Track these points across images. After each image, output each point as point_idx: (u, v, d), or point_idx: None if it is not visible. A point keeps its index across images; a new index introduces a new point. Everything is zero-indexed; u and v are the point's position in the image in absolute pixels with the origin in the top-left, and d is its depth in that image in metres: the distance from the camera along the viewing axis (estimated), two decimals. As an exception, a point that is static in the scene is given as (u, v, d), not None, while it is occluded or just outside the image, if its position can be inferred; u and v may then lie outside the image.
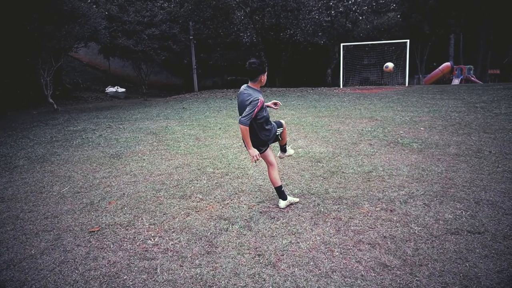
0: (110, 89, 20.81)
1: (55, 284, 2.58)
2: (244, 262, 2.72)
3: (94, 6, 14.43)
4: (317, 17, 21.26)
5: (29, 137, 8.26)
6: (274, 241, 3.01)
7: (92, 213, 3.81)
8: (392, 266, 2.56)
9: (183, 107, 12.66)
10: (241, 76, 27.55)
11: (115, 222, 3.54)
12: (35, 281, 2.64)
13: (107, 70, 25.46)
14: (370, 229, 3.14)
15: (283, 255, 2.79)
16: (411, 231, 3.06)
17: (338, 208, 3.61)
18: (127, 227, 3.42)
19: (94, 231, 3.33)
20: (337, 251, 2.80)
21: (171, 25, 17.94)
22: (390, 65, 13.22)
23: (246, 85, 3.53)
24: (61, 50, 13.55)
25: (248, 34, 22.88)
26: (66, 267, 2.79)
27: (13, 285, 2.61)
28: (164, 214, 3.67)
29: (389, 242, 2.89)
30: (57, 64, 13.84)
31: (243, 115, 3.24)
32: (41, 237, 3.32)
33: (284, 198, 3.67)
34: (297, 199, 3.80)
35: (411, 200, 3.70)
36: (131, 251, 2.97)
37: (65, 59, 17.08)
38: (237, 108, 3.42)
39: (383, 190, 4.02)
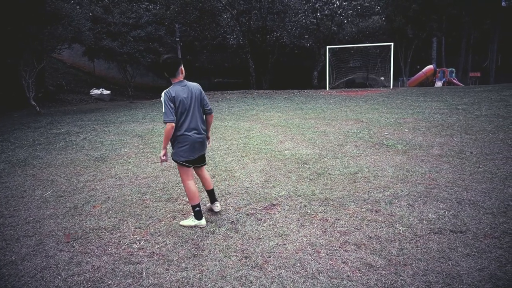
0: (95, 91, 20.48)
1: (37, 291, 2.51)
2: (231, 264, 2.71)
3: (78, 7, 14.17)
4: (303, 19, 21.44)
5: (10, 140, 8.05)
6: (261, 243, 3.01)
7: (76, 217, 3.74)
8: (378, 266, 2.59)
9: (170, 110, 12.55)
10: (228, 79, 27.52)
11: (100, 226, 3.48)
12: (16, 287, 2.57)
13: (91, 72, 25.06)
14: (356, 229, 3.17)
15: (270, 257, 2.79)
16: (396, 231, 3.10)
17: (324, 209, 3.64)
18: (112, 231, 3.37)
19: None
20: (324, 252, 2.82)
21: (157, 27, 17.78)
22: None
23: (174, 85, 3.25)
24: (44, 51, 13.28)
25: (235, 36, 22.90)
26: (48, 273, 2.73)
27: (-8, 292, 2.54)
28: (150, 218, 3.62)
29: (374, 243, 2.93)
30: (39, 65, 13.55)
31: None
32: (22, 242, 3.24)
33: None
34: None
35: (396, 200, 3.76)
36: (116, 255, 2.92)
37: (48, 61, 16.74)
38: (191, 108, 3.26)
39: (368, 191, 4.07)
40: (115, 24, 16.07)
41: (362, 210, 3.58)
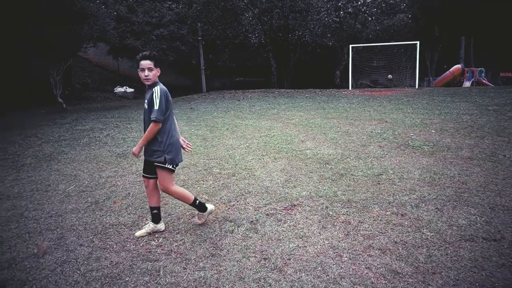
0: (119, 89, 20.91)
1: (56, 285, 2.52)
2: (250, 265, 2.63)
3: (103, 6, 14.49)
4: (325, 18, 21.13)
5: (37, 135, 8.29)
6: (280, 244, 2.92)
7: (97, 212, 3.76)
8: (404, 273, 2.46)
9: (191, 108, 12.65)
10: (249, 78, 27.50)
11: (119, 222, 3.49)
12: (36, 281, 2.59)
13: (116, 71, 25.62)
14: (381, 233, 3.03)
15: (289, 259, 2.70)
16: (423, 236, 2.94)
17: (347, 211, 3.51)
18: (131, 227, 3.37)
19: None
20: (346, 256, 2.70)
21: (180, 26, 17.98)
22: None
23: (158, 82, 3.07)
24: (70, 50, 13.62)
25: (256, 35, 22.83)
26: (68, 267, 2.74)
27: (14, 284, 2.57)
28: (169, 215, 3.60)
29: (400, 248, 2.78)
30: (66, 64, 13.93)
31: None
32: (45, 236, 3.28)
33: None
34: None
35: (423, 204, 3.58)
36: (134, 252, 2.91)
37: (74, 59, 17.20)
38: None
39: (393, 194, 3.91)
40: (139, 23, 16.35)
41: (387, 213, 3.43)
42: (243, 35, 23.61)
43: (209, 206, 3.33)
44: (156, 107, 2.87)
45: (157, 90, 2.93)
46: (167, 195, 3.57)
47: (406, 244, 2.83)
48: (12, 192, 4.54)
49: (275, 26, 23.26)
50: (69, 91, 17.40)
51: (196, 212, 3.35)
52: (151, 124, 2.89)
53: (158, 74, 3.03)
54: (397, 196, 3.83)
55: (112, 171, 5.22)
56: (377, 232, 3.06)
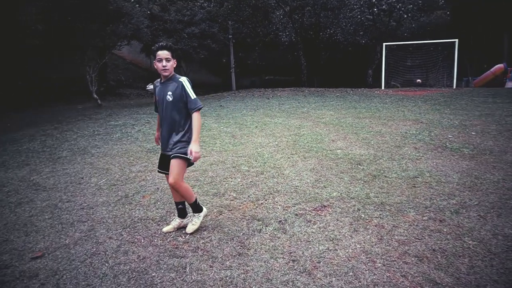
0: (150, 87, 21.39)
1: (85, 276, 2.55)
2: (277, 267, 2.55)
3: (137, 5, 14.83)
4: (358, 15, 20.58)
5: (73, 130, 8.59)
6: (310, 246, 2.81)
7: (126, 206, 3.80)
8: (444, 284, 2.28)
9: (221, 105, 12.70)
10: (279, 76, 27.34)
11: (148, 217, 3.50)
12: (67, 271, 2.63)
13: (148, 68, 26.24)
14: (417, 240, 2.85)
15: (319, 263, 2.58)
16: (465, 245, 2.74)
17: (380, 214, 3.34)
18: (159, 222, 3.37)
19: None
20: (380, 262, 2.56)
21: (211, 24, 18.11)
22: None
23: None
24: (105, 48, 14.06)
25: (287, 33, 22.61)
26: (97, 259, 2.76)
27: (45, 273, 2.62)
28: (196, 211, 3.57)
29: (439, 256, 2.60)
30: (101, 61, 14.39)
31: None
32: (76, 227, 3.35)
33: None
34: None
35: (464, 210, 3.35)
36: (162, 247, 2.90)
37: (109, 57, 17.74)
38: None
39: (430, 198, 3.69)
40: (171, 21, 16.62)
41: (424, 218, 3.24)
42: (273, 33, 23.48)
43: (204, 209, 3.24)
44: (193, 96, 2.90)
45: (186, 81, 2.93)
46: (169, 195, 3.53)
47: (446, 253, 2.64)
48: (48, 183, 4.70)
49: (306, 24, 22.94)
50: (104, 88, 17.98)
51: (190, 214, 3.23)
52: (197, 114, 2.89)
53: (175, 65, 2.96)
54: (434, 201, 3.61)
55: (142, 165, 5.29)
56: (413, 238, 2.88)
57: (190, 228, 3.10)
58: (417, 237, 2.90)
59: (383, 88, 17.98)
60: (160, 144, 3.14)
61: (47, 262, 2.76)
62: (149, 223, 3.36)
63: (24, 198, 4.19)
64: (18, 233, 3.30)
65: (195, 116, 2.89)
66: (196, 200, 3.13)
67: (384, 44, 18.57)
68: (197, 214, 3.16)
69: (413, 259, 2.59)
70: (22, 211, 3.81)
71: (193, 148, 2.81)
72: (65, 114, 11.76)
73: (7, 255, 2.91)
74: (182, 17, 17.17)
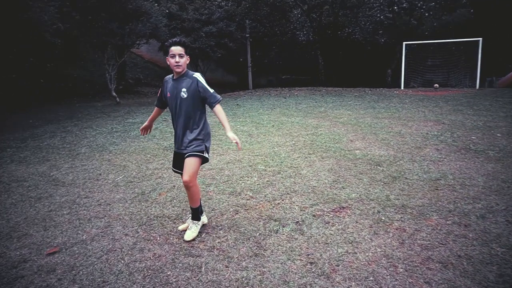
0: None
1: (101, 272, 2.54)
2: (295, 269, 2.48)
3: (156, 4, 14.97)
4: (378, 14, 20.20)
5: (92, 127, 8.72)
6: (328, 248, 2.73)
7: (143, 203, 3.80)
8: (471, 292, 2.17)
9: (237, 104, 12.68)
10: (296, 75, 27.14)
11: (164, 214, 3.49)
12: (83, 267, 2.63)
13: (166, 67, 26.51)
14: (441, 245, 2.73)
15: (338, 266, 2.50)
16: (493, 252, 2.60)
17: (401, 217, 3.23)
18: (175, 220, 3.35)
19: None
20: (402, 268, 2.46)
21: (228, 23, 18.13)
22: None
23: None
24: (124, 47, 14.24)
25: (305, 32, 22.41)
26: (113, 256, 2.76)
27: (63, 268, 2.63)
28: (212, 210, 3.54)
29: (465, 263, 2.48)
30: (120, 60, 14.58)
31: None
32: (93, 223, 3.36)
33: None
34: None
35: (490, 215, 3.20)
36: (177, 245, 2.87)
37: (128, 56, 17.99)
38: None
39: (454, 201, 3.55)
40: (189, 20, 16.71)
41: (448, 222, 3.11)
42: (291, 32, 23.31)
43: (203, 219, 3.15)
44: (211, 90, 2.87)
45: (200, 76, 2.89)
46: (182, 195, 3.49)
47: (472, 259, 2.52)
48: (67, 179, 4.76)
49: (324, 23, 22.67)
50: (123, 86, 18.23)
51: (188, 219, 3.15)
52: (219, 106, 2.84)
53: (188, 62, 2.91)
54: (458, 204, 3.47)
55: (159, 163, 5.30)
56: (436, 243, 2.76)
57: (189, 236, 2.94)
58: (441, 242, 2.78)
59: (402, 88, 17.61)
60: (174, 142, 3.07)
61: (64, 257, 2.77)
62: (165, 221, 3.35)
63: (44, 193, 4.25)
64: (37, 227, 3.34)
65: (218, 109, 2.84)
66: (199, 207, 3.05)
67: (404, 43, 18.18)
68: (196, 222, 3.03)
69: (437, 265, 2.48)
70: (41, 206, 3.86)
71: (234, 136, 2.74)
72: (85, 112, 11.97)
73: (26, 249, 2.94)
74: (200, 16, 17.25)
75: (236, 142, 2.73)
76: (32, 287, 2.42)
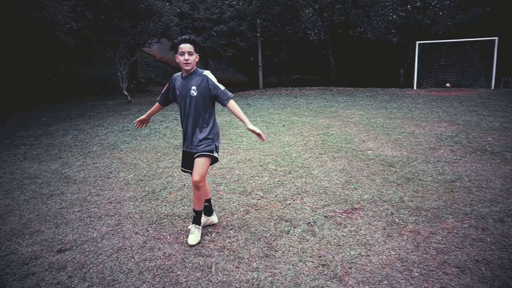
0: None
1: (111, 271, 2.53)
2: (307, 271, 2.43)
3: (167, 3, 15.03)
4: (390, 13, 19.94)
5: (103, 125, 8.78)
6: (340, 250, 2.68)
7: (153, 201, 3.80)
8: (490, 299, 2.10)
9: (248, 103, 12.65)
10: (307, 75, 27.00)
11: (174, 213, 3.47)
12: (93, 265, 2.62)
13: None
14: (457, 249, 2.65)
15: (351, 268, 2.45)
16: (512, 257, 2.52)
17: (415, 220, 3.15)
18: (185, 219, 3.33)
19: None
20: (417, 272, 2.39)
21: (239, 22, 18.10)
22: None
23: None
24: (136, 46, 14.33)
25: (316, 31, 22.24)
26: (123, 254, 2.75)
27: (73, 266, 2.63)
28: (222, 209, 3.52)
29: (483, 268, 2.40)
30: (132, 59, 14.69)
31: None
32: (104, 221, 3.37)
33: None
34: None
35: (509, 219, 3.10)
36: (187, 245, 2.85)
37: (139, 55, 18.12)
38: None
39: (470, 204, 3.45)
40: (200, 19, 16.73)
41: (464, 225, 3.02)
42: (302, 31, 23.17)
43: (202, 222, 3.08)
44: (222, 87, 2.82)
45: (210, 73, 2.85)
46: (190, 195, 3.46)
47: (491, 264, 2.44)
48: (78, 176, 4.79)
49: (335, 23, 22.48)
50: (134, 85, 18.37)
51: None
52: (232, 101, 2.79)
53: (197, 60, 2.86)
54: (475, 207, 3.37)
55: (169, 162, 5.30)
56: (453, 247, 2.68)
57: (194, 240, 2.87)
58: (457, 245, 2.70)
59: (415, 88, 17.36)
60: (183, 141, 2.99)
61: (75, 255, 2.77)
62: (175, 219, 3.33)
63: (56, 190, 4.28)
64: (48, 224, 3.36)
65: (232, 104, 2.78)
66: (202, 211, 3.00)
67: (417, 42, 17.92)
68: (198, 226, 2.95)
69: (453, 269, 2.40)
70: (53, 203, 3.89)
71: (256, 128, 2.71)
72: (97, 110, 12.08)
73: (38, 246, 2.96)
74: (211, 15, 17.27)
75: (260, 134, 2.69)
76: (43, 284, 2.43)
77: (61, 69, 16.62)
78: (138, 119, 3.23)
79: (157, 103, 3.15)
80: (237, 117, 2.79)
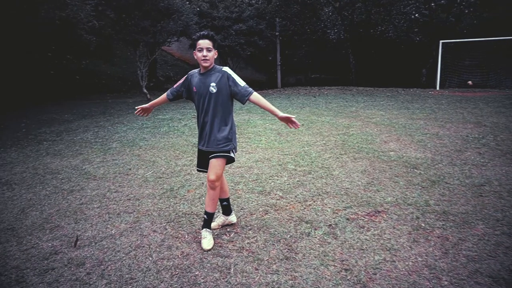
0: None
1: (129, 269, 2.51)
2: (329, 275, 2.34)
3: (187, 2, 15.11)
4: (413, 11, 19.46)
5: (123, 122, 8.88)
6: (364, 255, 2.57)
7: (171, 199, 3.77)
8: (528, 312, 1.95)
9: (265, 102, 12.59)
10: (326, 74, 26.70)
11: (192, 212, 3.43)
12: (112, 262, 2.61)
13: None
14: (490, 257, 2.50)
15: (375, 274, 2.34)
16: (551, 267, 2.35)
17: (443, 225, 3.00)
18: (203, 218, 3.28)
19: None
20: (446, 280, 2.26)
21: (258, 21, 18.05)
22: None
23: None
24: (156, 44, 14.46)
25: (336, 30, 21.96)
26: (141, 252, 2.72)
27: (92, 262, 2.62)
28: (241, 209, 3.45)
29: (519, 278, 2.25)
30: (151, 57, 14.83)
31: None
32: (122, 218, 3.36)
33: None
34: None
35: (545, 226, 2.92)
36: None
37: (159, 53, 18.30)
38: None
39: (502, 210, 3.27)
40: (219, 18, 16.76)
41: (496, 232, 2.86)
42: (321, 30, 22.92)
43: (213, 225, 3.03)
44: (243, 83, 2.73)
45: (229, 70, 2.75)
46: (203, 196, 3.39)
47: (527, 275, 2.28)
48: (98, 173, 4.82)
49: (356, 21, 22.13)
50: (153, 83, 18.57)
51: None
52: (256, 94, 2.70)
53: (215, 56, 2.76)
54: (507, 213, 3.20)
55: (188, 159, 5.28)
56: (484, 255, 2.54)
57: (208, 244, 2.78)
58: (489, 254, 2.55)
59: (438, 88, 16.88)
60: (199, 139, 2.90)
61: (93, 251, 2.77)
62: (194, 218, 3.29)
63: (76, 186, 4.32)
64: (68, 220, 3.38)
65: (256, 96, 2.69)
66: (214, 213, 2.90)
67: (440, 41, 17.41)
68: (209, 229, 2.87)
69: (486, 279, 2.26)
70: (73, 198, 3.92)
71: (289, 114, 2.63)
72: (117, 107, 12.26)
73: (58, 241, 2.97)
74: (230, 14, 17.28)
75: (294, 120, 2.61)
76: (62, 280, 2.42)
77: (83, 67, 16.96)
78: (141, 106, 3.09)
79: (164, 96, 3.02)
80: (265, 108, 2.69)
